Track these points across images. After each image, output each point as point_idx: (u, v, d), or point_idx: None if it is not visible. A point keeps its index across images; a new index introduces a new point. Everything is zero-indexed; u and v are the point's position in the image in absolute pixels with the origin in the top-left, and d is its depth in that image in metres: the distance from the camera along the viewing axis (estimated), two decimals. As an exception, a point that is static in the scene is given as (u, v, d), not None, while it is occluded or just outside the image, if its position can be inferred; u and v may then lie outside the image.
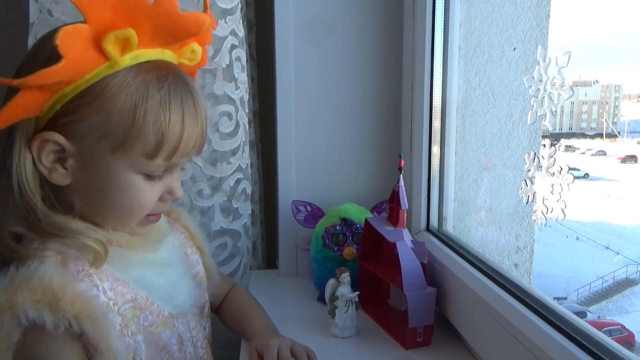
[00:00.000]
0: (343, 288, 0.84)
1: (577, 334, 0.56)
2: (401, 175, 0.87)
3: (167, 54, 0.59)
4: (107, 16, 0.51)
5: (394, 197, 0.88)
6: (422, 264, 0.82)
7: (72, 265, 0.55)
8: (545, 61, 0.58)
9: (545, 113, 0.58)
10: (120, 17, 0.52)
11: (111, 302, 0.56)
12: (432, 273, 0.86)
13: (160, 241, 0.66)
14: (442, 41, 0.94)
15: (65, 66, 0.50)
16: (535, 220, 0.61)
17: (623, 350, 0.52)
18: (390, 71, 1.07)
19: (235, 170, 0.97)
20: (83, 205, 0.58)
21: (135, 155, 0.56)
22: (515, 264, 1.17)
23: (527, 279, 1.19)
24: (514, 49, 0.78)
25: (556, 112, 0.56)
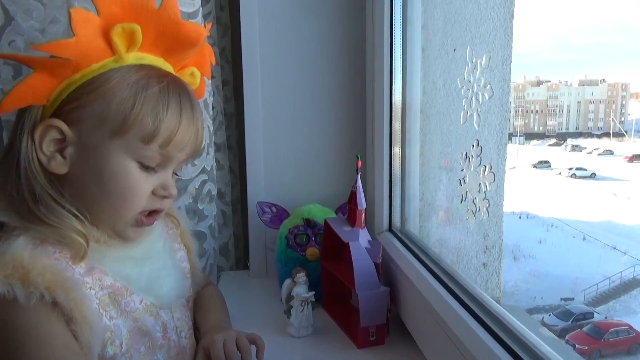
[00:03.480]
0: (299, 288, 0.85)
1: (517, 345, 0.54)
2: (358, 175, 0.88)
3: (168, 67, 0.64)
4: (116, 12, 0.57)
5: (352, 197, 0.89)
6: (375, 263, 0.83)
7: (50, 247, 0.56)
8: (472, 62, 0.59)
9: (473, 113, 0.59)
10: (128, 15, 0.58)
11: (87, 285, 0.57)
12: (388, 273, 0.87)
13: (141, 238, 0.67)
14: (402, 43, 0.94)
15: (77, 44, 0.55)
16: (467, 219, 0.61)
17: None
18: (354, 74, 1.08)
19: (200, 172, 0.98)
20: (75, 196, 0.60)
21: (132, 139, 0.59)
22: (484, 264, 1.16)
23: (496, 279, 1.19)
24: (454, 50, 0.79)
25: (481, 112, 0.56)
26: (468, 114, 0.60)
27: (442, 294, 0.71)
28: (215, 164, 1.03)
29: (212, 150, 1.01)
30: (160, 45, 0.61)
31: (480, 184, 0.57)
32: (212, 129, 1.02)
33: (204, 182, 0.99)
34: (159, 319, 0.67)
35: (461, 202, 0.63)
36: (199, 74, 0.70)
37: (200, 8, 0.94)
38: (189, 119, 0.62)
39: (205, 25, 0.67)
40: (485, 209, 0.56)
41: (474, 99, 0.58)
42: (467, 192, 0.61)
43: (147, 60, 0.62)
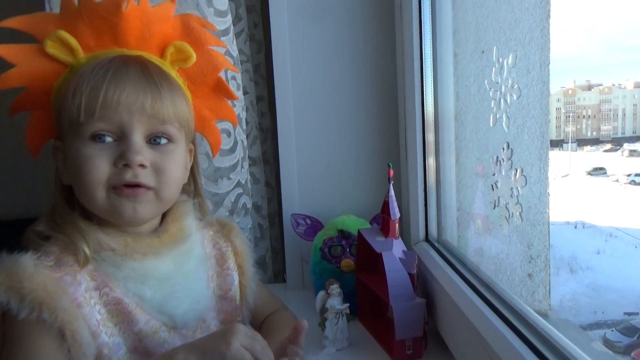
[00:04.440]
0: (333, 300, 0.84)
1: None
2: (390, 185, 0.87)
3: (135, 53, 0.65)
4: (51, 29, 0.61)
5: (385, 207, 0.88)
6: (410, 274, 0.80)
7: (66, 259, 0.59)
8: (499, 63, 0.57)
9: (502, 115, 0.57)
10: (61, 26, 0.61)
11: (92, 301, 0.59)
12: (424, 284, 0.85)
13: (167, 247, 0.65)
14: (432, 50, 0.93)
15: (20, 71, 0.61)
16: (501, 225, 0.59)
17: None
18: (385, 85, 1.07)
19: (235, 186, 1.00)
20: (80, 202, 0.63)
21: (70, 122, 0.59)
22: (529, 275, 1.11)
23: (543, 290, 1.13)
24: (482, 52, 0.76)
25: (510, 114, 0.54)
26: (497, 116, 0.58)
27: (479, 307, 0.68)
28: (250, 177, 1.04)
29: (246, 164, 1.03)
30: (103, 35, 0.62)
31: (512, 188, 0.55)
32: (245, 143, 1.04)
33: (239, 196, 1.01)
34: (167, 341, 0.64)
35: (494, 208, 0.60)
36: (185, 45, 0.67)
37: (232, 26, 0.97)
38: (119, 78, 0.59)
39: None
40: (518, 214, 0.53)
41: (502, 100, 0.56)
42: (499, 197, 0.59)
43: (103, 55, 0.62)
